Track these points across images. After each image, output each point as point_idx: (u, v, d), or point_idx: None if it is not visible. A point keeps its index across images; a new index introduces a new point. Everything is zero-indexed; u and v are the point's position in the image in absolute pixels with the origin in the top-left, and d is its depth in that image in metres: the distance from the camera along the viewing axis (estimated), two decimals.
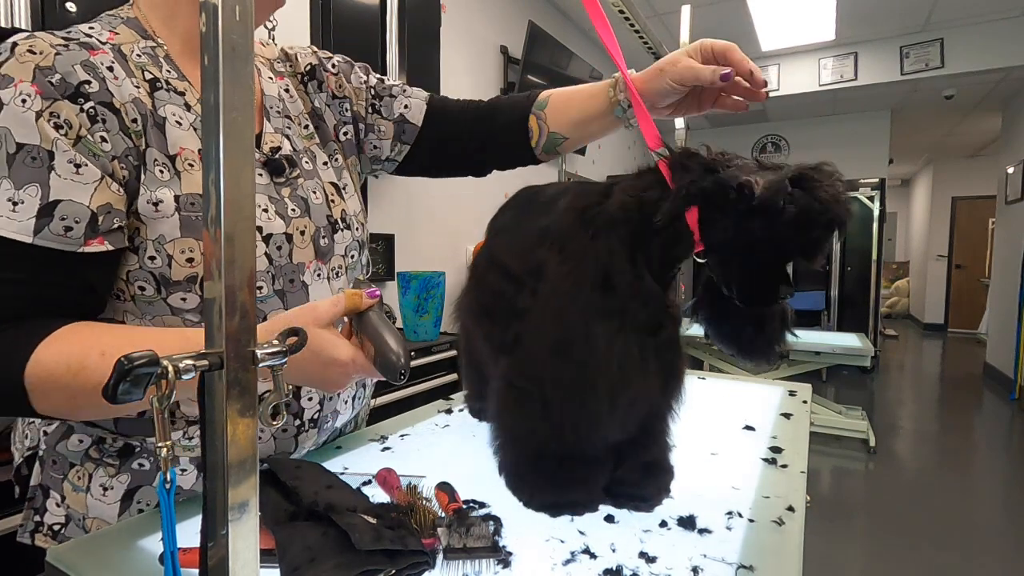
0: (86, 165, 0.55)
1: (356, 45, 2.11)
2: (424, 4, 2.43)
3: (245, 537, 0.33)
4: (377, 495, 0.61)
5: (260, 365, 0.33)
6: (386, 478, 0.65)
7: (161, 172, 0.60)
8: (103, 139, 0.56)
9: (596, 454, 0.63)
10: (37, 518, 0.66)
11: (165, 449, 0.31)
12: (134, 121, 0.59)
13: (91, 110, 0.55)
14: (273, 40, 1.98)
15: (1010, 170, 5.23)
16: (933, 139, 7.24)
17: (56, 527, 0.66)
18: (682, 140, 1.78)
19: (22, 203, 0.51)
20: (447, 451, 0.80)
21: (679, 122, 1.75)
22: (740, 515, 0.61)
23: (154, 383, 0.30)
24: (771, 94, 5.03)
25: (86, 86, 0.56)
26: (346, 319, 0.61)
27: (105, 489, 0.64)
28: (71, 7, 1.40)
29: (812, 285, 6.11)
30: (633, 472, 0.64)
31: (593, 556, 0.53)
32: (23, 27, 1.30)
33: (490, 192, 2.68)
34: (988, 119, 6.14)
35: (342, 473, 0.72)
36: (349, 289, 0.62)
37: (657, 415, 0.65)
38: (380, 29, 2.21)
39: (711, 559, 0.53)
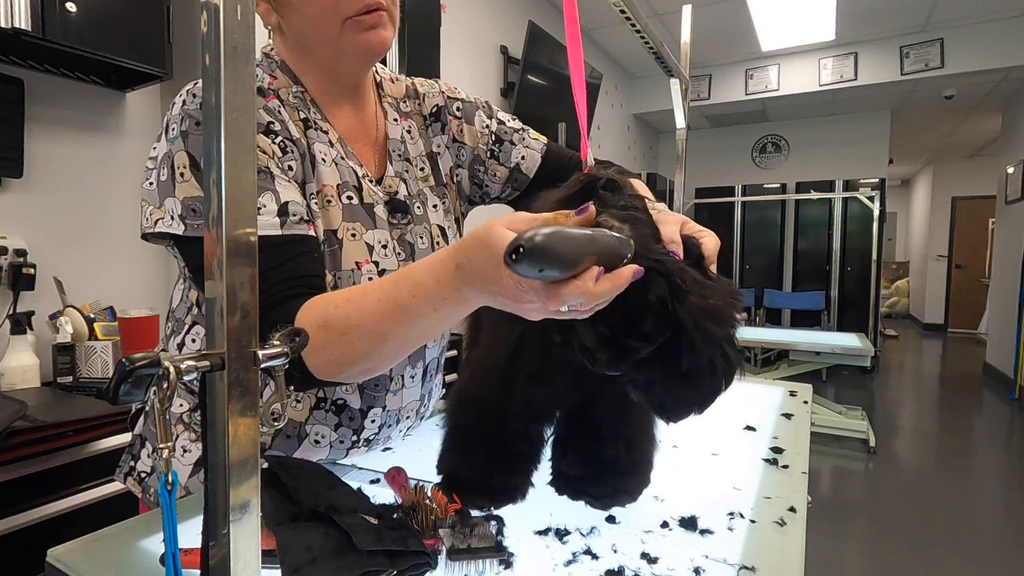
0: (288, 177, 0.64)
1: None
2: (424, 4, 2.43)
3: (246, 538, 0.33)
4: (384, 492, 0.61)
5: (261, 366, 0.33)
6: (395, 476, 0.65)
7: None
8: (290, 167, 0.65)
9: (504, 435, 0.63)
10: (132, 463, 0.75)
11: (166, 450, 0.31)
12: (302, 155, 0.67)
13: (281, 143, 0.65)
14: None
15: (1010, 170, 5.23)
16: (933, 139, 7.24)
17: (143, 474, 0.74)
18: (683, 140, 1.78)
19: (264, 207, 0.60)
20: None
21: (679, 122, 1.75)
22: (742, 516, 0.61)
23: (155, 384, 0.29)
24: (771, 94, 5.05)
25: (272, 125, 0.65)
26: None
27: (184, 451, 0.71)
28: (71, 7, 1.40)
29: (812, 285, 6.11)
30: (576, 467, 0.64)
31: (595, 557, 0.53)
32: (23, 27, 1.30)
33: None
34: (988, 119, 6.14)
35: (351, 470, 0.72)
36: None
37: (602, 418, 0.64)
38: None
39: (713, 560, 0.53)
